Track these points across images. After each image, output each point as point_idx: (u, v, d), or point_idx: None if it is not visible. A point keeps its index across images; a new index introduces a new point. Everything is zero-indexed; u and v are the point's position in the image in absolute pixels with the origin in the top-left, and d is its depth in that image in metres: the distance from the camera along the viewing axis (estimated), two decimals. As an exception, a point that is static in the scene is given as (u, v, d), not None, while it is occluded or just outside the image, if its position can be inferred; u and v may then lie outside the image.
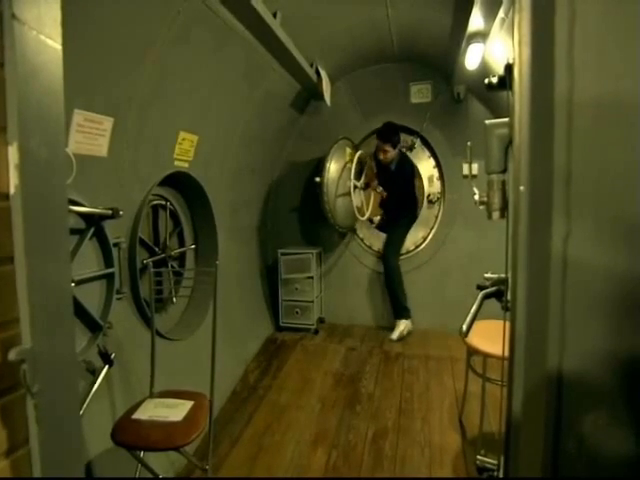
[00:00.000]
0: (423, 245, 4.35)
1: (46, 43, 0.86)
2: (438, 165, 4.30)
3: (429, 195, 4.35)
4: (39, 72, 0.85)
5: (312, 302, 4.24)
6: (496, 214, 1.08)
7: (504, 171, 1.08)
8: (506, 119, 1.04)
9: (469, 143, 1.30)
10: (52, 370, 0.94)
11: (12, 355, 0.81)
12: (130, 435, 1.77)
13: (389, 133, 4.04)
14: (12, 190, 0.82)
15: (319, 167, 4.11)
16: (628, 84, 0.61)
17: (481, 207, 1.12)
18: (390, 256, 4.26)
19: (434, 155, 4.30)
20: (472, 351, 2.42)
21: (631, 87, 0.62)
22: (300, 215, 4.66)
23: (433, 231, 4.34)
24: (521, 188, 0.78)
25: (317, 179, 3.92)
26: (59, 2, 0.88)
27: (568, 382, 0.76)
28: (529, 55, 0.74)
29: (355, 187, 4.16)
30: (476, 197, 1.13)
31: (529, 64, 0.75)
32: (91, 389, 1.95)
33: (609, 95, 0.65)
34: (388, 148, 4.02)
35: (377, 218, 4.74)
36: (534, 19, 0.72)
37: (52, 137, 0.91)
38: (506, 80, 1.03)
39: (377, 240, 4.52)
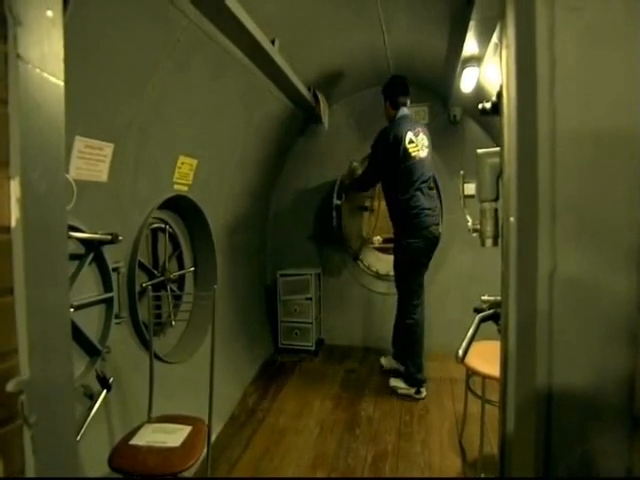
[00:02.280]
0: (423, 265, 4.35)
1: (49, 80, 0.88)
2: (436, 186, 4.33)
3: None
4: (41, 108, 0.87)
5: (311, 323, 4.23)
6: (489, 242, 1.10)
7: (496, 199, 1.10)
8: (497, 149, 1.06)
9: (462, 172, 1.33)
10: (49, 399, 0.95)
11: (10, 387, 0.82)
12: (127, 461, 1.76)
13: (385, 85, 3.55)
14: (13, 223, 0.83)
15: (333, 190, 4.24)
16: (607, 121, 0.64)
17: (474, 235, 1.14)
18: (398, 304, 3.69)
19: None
20: (471, 372, 2.41)
21: (610, 124, 0.64)
22: (299, 236, 4.67)
23: (432, 252, 4.35)
24: (511, 219, 0.80)
25: (338, 202, 3.94)
26: (62, 41, 0.91)
27: (557, 401, 0.78)
28: (515, 92, 0.76)
29: (366, 209, 4.27)
30: (469, 225, 1.15)
31: (515, 100, 0.77)
32: (89, 414, 1.94)
33: (590, 131, 0.68)
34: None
35: (377, 238, 4.78)
36: (518, 57, 0.75)
37: (53, 170, 0.93)
38: (498, 106, 1.06)
39: (376, 261, 4.53)
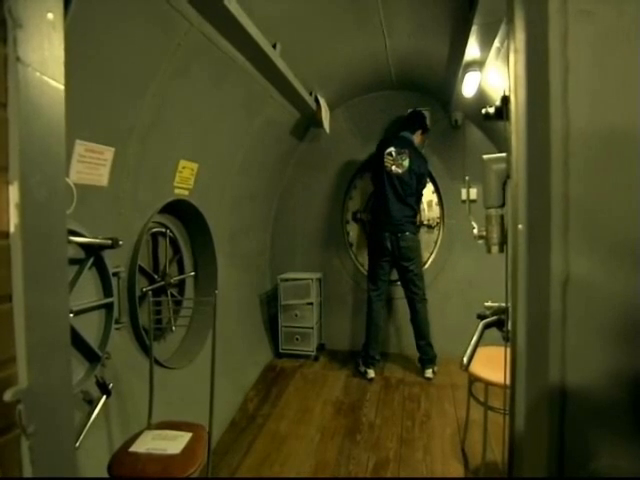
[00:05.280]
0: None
1: (49, 84, 0.87)
2: (437, 190, 4.32)
3: (428, 220, 4.37)
4: (41, 112, 0.86)
5: (312, 328, 4.21)
6: (495, 248, 1.08)
7: (502, 205, 1.08)
8: (503, 154, 1.05)
9: (467, 178, 1.31)
10: (48, 408, 0.93)
11: (8, 396, 0.80)
12: (127, 469, 1.73)
13: None
14: (12, 229, 0.82)
15: (336, 194, 4.56)
16: (621, 127, 0.62)
17: (480, 242, 1.12)
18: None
19: (433, 180, 4.31)
20: (473, 378, 2.39)
21: (624, 130, 0.63)
22: (300, 241, 4.66)
23: (433, 256, 4.34)
24: (519, 227, 0.78)
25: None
26: (63, 44, 0.90)
27: (570, 405, 0.76)
28: (525, 97, 0.75)
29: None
30: (475, 232, 1.14)
31: (525, 105, 0.76)
32: (88, 420, 1.92)
33: (603, 137, 0.66)
34: None
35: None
36: (528, 62, 0.73)
37: (52, 174, 0.91)
38: (503, 111, 1.04)
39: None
